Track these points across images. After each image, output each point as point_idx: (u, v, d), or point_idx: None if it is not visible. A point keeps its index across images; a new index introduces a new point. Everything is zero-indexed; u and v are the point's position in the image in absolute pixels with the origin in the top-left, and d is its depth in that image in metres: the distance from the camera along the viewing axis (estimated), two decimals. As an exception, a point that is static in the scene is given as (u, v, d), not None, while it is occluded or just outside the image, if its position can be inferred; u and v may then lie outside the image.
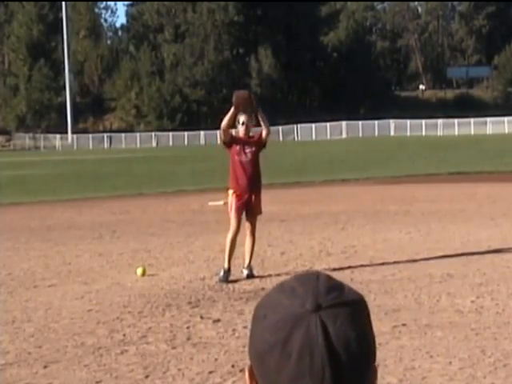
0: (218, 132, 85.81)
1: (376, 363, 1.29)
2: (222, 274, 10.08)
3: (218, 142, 10.57)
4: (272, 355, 1.21)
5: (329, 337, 1.20)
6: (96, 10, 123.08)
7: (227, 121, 10.04)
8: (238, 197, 10.18)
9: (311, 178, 28.29)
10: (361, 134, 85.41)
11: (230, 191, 10.33)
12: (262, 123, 10.24)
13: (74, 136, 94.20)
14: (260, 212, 10.34)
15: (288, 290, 1.26)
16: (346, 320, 1.22)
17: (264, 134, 10.28)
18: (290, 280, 1.28)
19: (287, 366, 1.20)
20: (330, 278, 1.28)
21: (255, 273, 10.39)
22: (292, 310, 1.22)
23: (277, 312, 1.23)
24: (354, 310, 1.25)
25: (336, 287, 1.26)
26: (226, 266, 10.11)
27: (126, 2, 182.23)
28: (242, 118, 10.20)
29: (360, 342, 1.23)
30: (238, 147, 10.23)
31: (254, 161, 10.27)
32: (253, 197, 10.21)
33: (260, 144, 10.32)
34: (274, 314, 1.23)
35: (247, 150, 10.23)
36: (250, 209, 10.23)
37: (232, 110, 10.01)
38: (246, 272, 10.26)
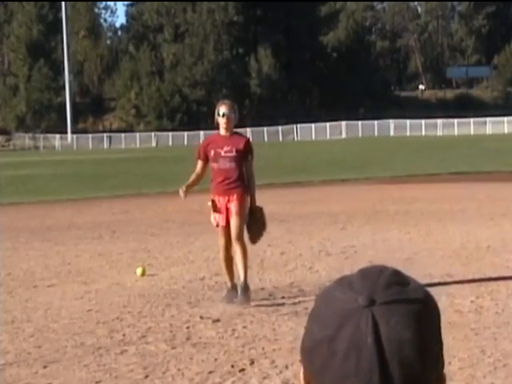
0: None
1: (445, 375, 1.16)
2: (225, 293, 9.05)
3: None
4: (318, 353, 1.13)
5: (379, 336, 1.09)
6: (96, 10, 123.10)
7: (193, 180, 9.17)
8: (216, 208, 8.90)
9: (311, 177, 28.29)
10: (360, 134, 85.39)
11: (210, 201, 9.05)
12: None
13: (74, 136, 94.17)
14: (240, 214, 8.82)
15: (346, 283, 1.16)
16: (402, 319, 1.11)
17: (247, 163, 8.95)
18: (353, 274, 1.18)
19: (332, 365, 1.11)
20: (396, 272, 1.17)
21: (255, 273, 10.32)
22: (344, 304, 1.12)
23: (329, 306, 1.14)
24: (415, 309, 1.13)
25: (399, 283, 1.15)
26: (228, 284, 9.07)
27: (125, 2, 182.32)
28: (222, 109, 8.95)
29: (417, 345, 1.11)
30: (213, 152, 8.93)
31: (234, 168, 8.86)
32: (232, 198, 8.83)
33: (242, 153, 8.88)
34: (326, 308, 1.14)
35: (226, 155, 8.87)
36: (229, 209, 8.88)
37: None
38: (240, 291, 8.78)
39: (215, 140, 9.08)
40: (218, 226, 8.99)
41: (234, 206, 8.82)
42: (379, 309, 1.11)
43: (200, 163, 9.14)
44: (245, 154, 8.90)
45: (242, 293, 8.74)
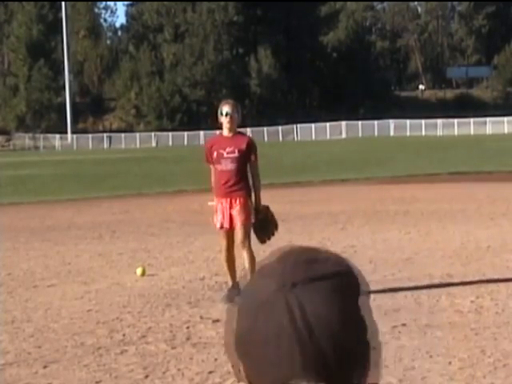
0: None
1: (380, 353, 1.14)
2: (226, 292, 8.98)
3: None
4: (246, 341, 1.11)
5: (294, 318, 1.07)
6: (96, 10, 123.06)
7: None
8: (219, 209, 8.89)
9: (311, 177, 28.28)
10: (360, 134, 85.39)
11: (214, 200, 9.08)
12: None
13: (74, 136, 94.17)
14: (245, 222, 8.76)
15: (266, 271, 1.14)
16: (317, 296, 1.09)
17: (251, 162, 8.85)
18: (270, 259, 1.17)
19: (255, 354, 1.09)
20: (312, 250, 1.16)
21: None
22: (267, 290, 1.10)
23: (250, 296, 1.13)
24: (332, 284, 1.11)
25: (313, 260, 1.13)
26: (229, 283, 9.04)
27: (125, 2, 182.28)
28: (225, 109, 8.79)
29: (342, 318, 1.09)
30: (216, 154, 8.80)
31: (236, 169, 8.76)
32: (235, 202, 8.77)
33: (245, 153, 8.78)
34: (249, 297, 1.13)
35: (229, 156, 8.74)
36: (234, 216, 8.79)
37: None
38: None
39: (218, 141, 8.97)
40: (221, 227, 8.91)
41: (238, 214, 8.73)
42: (301, 289, 1.09)
43: (211, 167, 9.00)
44: (247, 154, 8.79)
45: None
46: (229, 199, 8.77)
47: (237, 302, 1.17)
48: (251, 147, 8.83)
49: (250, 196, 8.86)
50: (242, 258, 8.87)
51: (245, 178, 8.82)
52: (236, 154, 8.74)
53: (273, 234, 8.91)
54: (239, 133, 9.01)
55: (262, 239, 8.89)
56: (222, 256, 9.06)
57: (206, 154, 8.95)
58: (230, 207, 8.78)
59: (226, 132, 8.90)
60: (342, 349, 1.08)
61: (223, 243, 8.96)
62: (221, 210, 8.85)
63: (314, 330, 1.07)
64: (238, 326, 1.13)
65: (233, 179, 8.74)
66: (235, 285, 8.78)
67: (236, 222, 8.75)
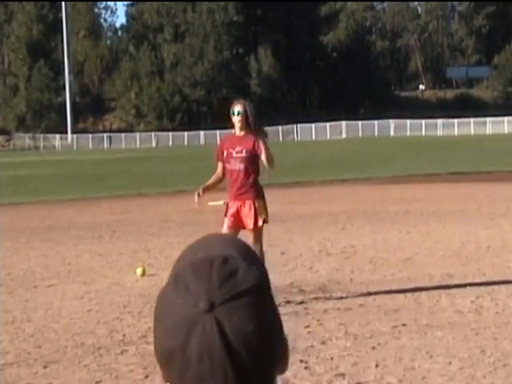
0: (217, 132, 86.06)
1: (288, 346, 1.22)
2: None
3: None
4: (173, 360, 1.16)
5: (226, 336, 1.14)
6: (96, 10, 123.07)
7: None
8: (228, 211, 8.90)
9: (311, 177, 28.29)
10: (360, 134, 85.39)
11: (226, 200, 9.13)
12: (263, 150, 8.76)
13: (74, 136, 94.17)
14: (257, 221, 8.79)
15: (181, 286, 1.18)
16: (242, 313, 1.15)
17: (262, 157, 8.78)
18: (184, 270, 1.21)
19: (189, 371, 1.15)
20: (225, 261, 1.19)
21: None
22: (186, 311, 1.15)
23: (172, 314, 1.17)
24: (251, 298, 1.17)
25: (230, 274, 1.17)
26: None
27: (125, 2, 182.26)
28: (236, 108, 8.76)
29: (260, 333, 1.16)
30: (226, 153, 8.86)
31: (244, 169, 8.78)
32: (243, 206, 8.80)
33: (255, 153, 8.76)
34: (170, 316, 1.17)
35: (237, 155, 8.78)
36: (242, 220, 8.82)
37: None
38: None
39: (230, 140, 9.01)
40: (227, 228, 8.81)
41: (246, 217, 8.76)
42: (220, 310, 1.15)
43: (220, 165, 9.01)
44: (255, 153, 8.78)
45: None
46: (238, 202, 8.81)
47: (157, 314, 1.20)
48: (256, 142, 8.79)
49: (258, 197, 8.86)
50: None
51: (253, 177, 8.85)
52: (244, 154, 8.77)
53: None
54: (250, 132, 8.84)
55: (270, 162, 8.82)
56: None
57: (218, 151, 9.03)
58: (239, 210, 8.81)
59: (237, 131, 8.89)
60: (265, 357, 1.17)
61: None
62: (231, 214, 8.85)
63: (240, 345, 1.14)
64: (164, 343, 1.17)
65: (241, 179, 8.78)
66: None
67: (246, 224, 8.79)
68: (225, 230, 8.76)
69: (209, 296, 1.15)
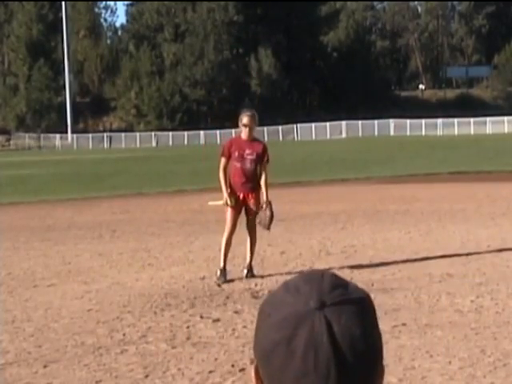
0: (217, 132, 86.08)
1: (384, 370, 1.27)
2: (218, 273, 10.17)
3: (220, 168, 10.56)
4: (276, 354, 1.20)
5: (333, 335, 1.19)
6: (96, 10, 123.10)
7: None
8: (235, 201, 10.28)
9: (311, 177, 28.30)
10: (360, 134, 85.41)
11: (228, 190, 10.40)
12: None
13: (74, 136, 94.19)
14: (258, 208, 10.36)
15: (292, 289, 1.24)
16: (351, 318, 1.21)
17: (263, 163, 10.39)
18: (295, 278, 1.27)
19: (292, 365, 1.19)
20: (335, 275, 1.27)
21: (255, 272, 10.41)
22: (296, 308, 1.21)
23: (281, 310, 1.22)
24: (360, 307, 1.24)
25: (341, 285, 1.25)
26: (221, 265, 10.22)
27: (125, 2, 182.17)
28: (244, 120, 10.28)
29: (366, 339, 1.22)
30: (237, 153, 10.29)
31: (254, 169, 10.33)
32: (249, 196, 10.30)
33: (261, 156, 10.35)
34: (278, 312, 1.22)
35: (248, 157, 10.29)
36: (247, 207, 10.33)
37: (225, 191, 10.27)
38: (245, 271, 10.34)
39: (238, 143, 10.43)
40: (234, 206, 10.21)
41: (253, 205, 10.31)
42: (330, 310, 1.21)
43: (224, 160, 10.39)
44: (262, 157, 10.40)
45: (248, 269, 10.32)
46: (246, 193, 10.33)
47: (265, 311, 1.25)
48: (266, 151, 10.43)
49: (260, 192, 10.40)
50: (248, 240, 10.38)
51: (258, 176, 10.39)
52: (254, 157, 10.33)
53: (271, 222, 10.46)
54: (256, 139, 10.59)
55: (269, 227, 10.42)
56: (225, 236, 10.28)
57: (225, 149, 10.45)
58: (245, 199, 10.32)
59: (244, 137, 10.38)
60: (367, 364, 1.23)
61: (230, 224, 10.27)
62: (239, 199, 10.31)
63: (346, 346, 1.20)
64: (270, 336, 1.22)
65: (250, 176, 10.30)
66: (225, 267, 10.22)
67: (250, 211, 10.31)
68: (229, 212, 10.25)
69: (320, 296, 1.22)
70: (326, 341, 1.18)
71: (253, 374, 1.26)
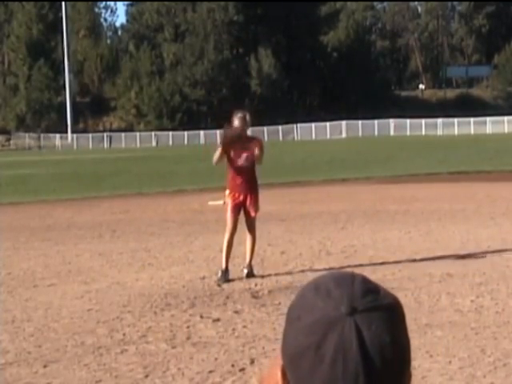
0: (217, 131, 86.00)
1: (411, 378, 1.28)
2: (220, 274, 10.21)
3: (214, 159, 10.56)
4: (305, 358, 1.20)
5: (363, 341, 1.19)
6: (96, 10, 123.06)
7: (217, 159, 10.40)
8: (234, 197, 10.43)
9: (311, 177, 28.29)
10: (360, 134, 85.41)
11: (227, 191, 10.57)
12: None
13: (74, 135, 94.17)
14: (257, 210, 10.53)
15: (323, 292, 1.23)
16: (381, 324, 1.21)
17: (256, 155, 10.47)
18: (325, 280, 1.26)
19: (320, 370, 1.19)
20: (365, 279, 1.27)
21: (255, 272, 10.42)
22: (326, 312, 1.20)
23: (311, 314, 1.21)
24: (390, 314, 1.24)
25: (372, 290, 1.25)
26: (223, 266, 10.25)
27: (125, 2, 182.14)
28: (235, 122, 10.40)
29: (395, 347, 1.23)
30: (233, 153, 10.43)
31: (251, 166, 10.51)
32: (249, 197, 10.45)
33: (255, 155, 10.50)
34: (308, 315, 1.21)
35: (244, 155, 10.44)
36: (247, 208, 10.45)
37: (219, 148, 10.34)
38: (246, 271, 10.37)
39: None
40: (234, 206, 10.37)
41: (251, 206, 10.44)
42: (360, 316, 1.20)
43: (221, 151, 10.40)
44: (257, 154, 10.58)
45: (248, 269, 10.35)
46: (246, 194, 10.45)
47: (294, 314, 1.24)
48: (261, 148, 10.48)
49: (257, 190, 10.59)
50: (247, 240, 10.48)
51: (255, 173, 10.60)
52: (251, 155, 10.44)
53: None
54: (251, 137, 10.82)
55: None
56: (226, 236, 10.36)
57: (226, 144, 10.48)
58: (244, 201, 10.42)
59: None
60: (396, 371, 1.25)
61: (230, 225, 10.38)
62: (239, 200, 10.43)
63: (376, 354, 1.20)
64: (299, 340, 1.21)
65: (248, 174, 10.45)
66: (227, 268, 10.24)
67: (250, 212, 10.43)
68: (229, 213, 10.38)
69: (351, 302, 1.21)
70: (355, 347, 1.18)
71: (279, 374, 1.26)
